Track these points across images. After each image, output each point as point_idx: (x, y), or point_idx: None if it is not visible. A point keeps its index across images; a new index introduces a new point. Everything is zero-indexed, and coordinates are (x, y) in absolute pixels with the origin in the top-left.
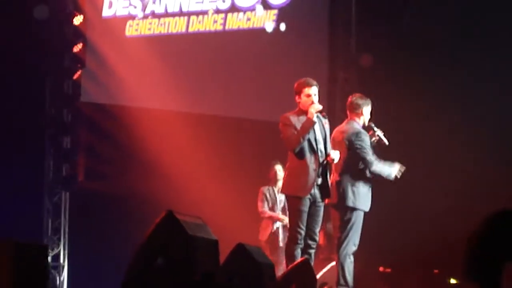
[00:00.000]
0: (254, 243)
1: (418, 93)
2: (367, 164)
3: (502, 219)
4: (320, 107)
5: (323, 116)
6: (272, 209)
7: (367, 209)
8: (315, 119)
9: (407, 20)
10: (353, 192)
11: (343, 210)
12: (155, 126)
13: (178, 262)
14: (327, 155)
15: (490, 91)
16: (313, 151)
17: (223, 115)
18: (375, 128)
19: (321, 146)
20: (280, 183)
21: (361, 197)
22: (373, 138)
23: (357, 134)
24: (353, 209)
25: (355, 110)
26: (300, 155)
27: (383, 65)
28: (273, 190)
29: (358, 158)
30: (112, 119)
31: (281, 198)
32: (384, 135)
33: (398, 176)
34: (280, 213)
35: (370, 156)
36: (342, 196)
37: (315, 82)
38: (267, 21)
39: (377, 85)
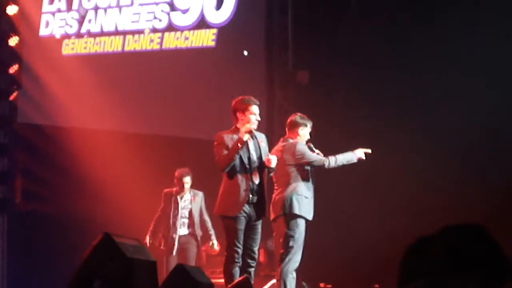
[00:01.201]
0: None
1: (355, 108)
2: (319, 164)
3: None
4: (250, 127)
5: (252, 137)
6: (174, 214)
7: (310, 218)
8: (246, 138)
9: (342, 35)
10: (298, 201)
11: (289, 220)
12: (91, 146)
13: (116, 285)
14: (263, 169)
15: (429, 103)
16: (245, 171)
17: (159, 134)
18: (314, 149)
19: (254, 165)
20: (185, 192)
21: (305, 205)
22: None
23: (295, 146)
24: (299, 217)
25: (293, 128)
26: (231, 175)
27: (320, 81)
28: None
29: (302, 169)
30: (49, 140)
31: (184, 205)
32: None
33: (364, 158)
34: (181, 222)
35: (316, 157)
36: (289, 205)
37: (255, 101)
38: (205, 40)
39: (314, 101)
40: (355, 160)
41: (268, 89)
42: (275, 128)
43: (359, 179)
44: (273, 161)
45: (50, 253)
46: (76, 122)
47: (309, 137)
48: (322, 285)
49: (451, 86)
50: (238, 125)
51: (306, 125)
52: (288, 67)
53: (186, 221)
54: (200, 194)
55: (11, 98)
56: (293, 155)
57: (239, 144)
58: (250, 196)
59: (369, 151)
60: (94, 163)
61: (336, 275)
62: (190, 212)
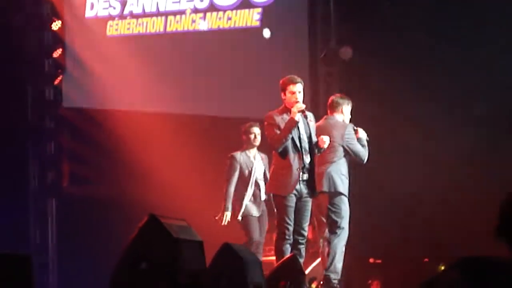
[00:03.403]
0: (240, 242)
1: (400, 85)
2: (360, 159)
3: None
4: (302, 106)
5: (304, 116)
6: (248, 175)
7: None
8: (298, 117)
9: (386, 9)
10: (341, 180)
11: (333, 197)
12: (137, 128)
13: (163, 265)
14: (313, 148)
15: (477, 78)
16: (297, 150)
17: (205, 114)
18: (355, 128)
19: (305, 144)
20: (255, 147)
21: (346, 184)
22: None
23: (345, 127)
24: (343, 195)
25: (335, 109)
26: (283, 154)
27: (364, 58)
28: (247, 155)
29: (343, 150)
30: (94, 123)
31: (259, 163)
32: (366, 134)
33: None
34: (254, 183)
35: (361, 150)
36: (333, 183)
37: (299, 79)
38: (249, 20)
39: (359, 78)
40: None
41: (312, 67)
42: (320, 105)
43: (413, 153)
44: (326, 142)
45: (97, 236)
46: (121, 104)
47: (349, 116)
48: (371, 260)
49: (502, 59)
50: (286, 104)
51: (347, 104)
52: (332, 43)
53: (262, 183)
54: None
55: (56, 82)
56: (342, 136)
57: (292, 123)
58: (301, 174)
59: (364, 134)
60: (139, 145)
61: (385, 250)
62: (264, 173)
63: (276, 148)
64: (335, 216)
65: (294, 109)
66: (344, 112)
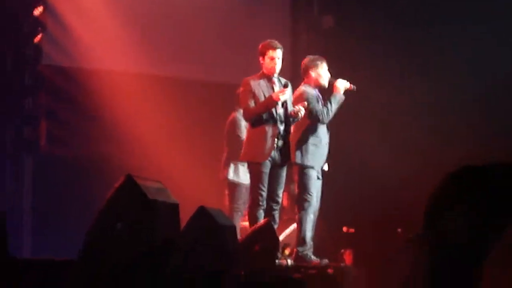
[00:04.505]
0: (215, 206)
1: (379, 54)
2: (318, 114)
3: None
4: (285, 96)
5: (284, 86)
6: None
7: (318, 165)
8: (276, 83)
9: None
10: (302, 151)
11: (298, 169)
12: (116, 88)
13: (138, 227)
14: (289, 114)
15: (454, 49)
16: (272, 117)
17: (184, 77)
18: (337, 80)
19: (280, 111)
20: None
21: (312, 154)
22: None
23: (302, 93)
24: (305, 167)
25: (305, 73)
26: (259, 122)
27: (345, 27)
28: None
29: (308, 116)
30: (73, 82)
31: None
32: (349, 82)
33: (354, 89)
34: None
35: (316, 108)
36: (295, 155)
37: (279, 45)
38: None
39: (339, 47)
40: (343, 97)
41: (293, 35)
42: (299, 74)
43: (385, 122)
44: (299, 112)
45: (73, 195)
46: (101, 64)
47: (327, 75)
48: (345, 229)
49: (483, 36)
50: (264, 70)
51: (316, 66)
52: (314, 12)
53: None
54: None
55: (36, 40)
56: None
57: (272, 104)
58: (276, 141)
59: (347, 83)
60: (119, 105)
61: (359, 219)
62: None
63: (247, 120)
64: (299, 188)
65: (277, 92)
66: (313, 76)
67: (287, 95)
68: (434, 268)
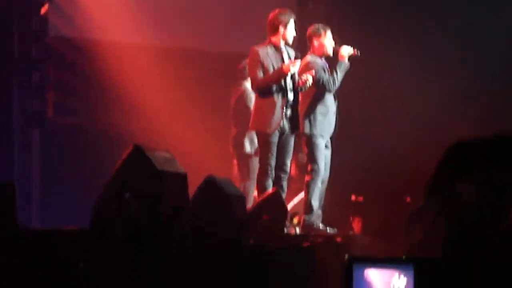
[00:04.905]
0: (224, 175)
1: (389, 26)
2: (325, 83)
3: (455, 149)
4: (294, 69)
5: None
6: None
7: (327, 134)
8: (284, 51)
9: None
10: (310, 120)
11: (305, 139)
12: (123, 58)
13: (146, 196)
14: (297, 83)
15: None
16: (281, 87)
17: (190, 47)
18: (341, 47)
19: (289, 81)
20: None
21: (319, 123)
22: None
23: (307, 63)
24: (313, 136)
25: (309, 42)
26: (267, 93)
27: None
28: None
29: (315, 85)
30: (81, 53)
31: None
32: (353, 48)
33: (358, 53)
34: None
35: (323, 74)
36: (303, 125)
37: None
38: None
39: (345, 16)
40: (348, 64)
41: (299, 3)
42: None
43: (392, 93)
44: (308, 81)
45: (82, 166)
46: (108, 34)
47: (331, 43)
48: (353, 197)
49: (482, 11)
50: (274, 38)
51: (320, 34)
52: None
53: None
54: None
55: (42, 11)
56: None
57: (282, 75)
58: (285, 110)
59: (350, 49)
60: (127, 76)
61: (367, 188)
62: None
63: (256, 90)
64: (306, 158)
65: (288, 64)
66: (315, 45)
67: (297, 67)
68: (453, 230)
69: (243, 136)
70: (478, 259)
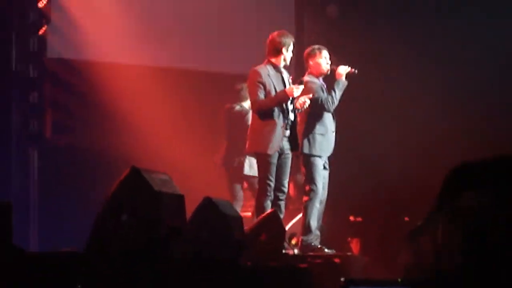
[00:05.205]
0: (221, 196)
1: (384, 45)
2: (323, 103)
3: (460, 170)
4: (297, 93)
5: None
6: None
7: (325, 154)
8: (283, 72)
9: None
10: (309, 140)
11: (304, 159)
12: (121, 80)
13: (144, 218)
14: (295, 104)
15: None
16: (281, 109)
17: (190, 69)
18: (333, 68)
19: (289, 102)
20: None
21: (319, 143)
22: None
23: (305, 83)
24: (312, 156)
25: (306, 63)
26: (268, 114)
27: (349, 16)
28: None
29: (314, 106)
30: (78, 74)
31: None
32: (350, 66)
33: (355, 72)
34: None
35: (321, 97)
36: (302, 145)
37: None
38: None
39: (343, 36)
40: (345, 82)
41: (297, 23)
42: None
43: (391, 112)
44: (306, 103)
45: (79, 187)
46: (106, 56)
47: (328, 62)
48: (352, 218)
49: (480, 30)
50: (274, 59)
51: (315, 55)
52: (317, 1)
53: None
54: None
55: (41, 32)
56: (306, 93)
57: (285, 99)
58: (284, 131)
59: (347, 67)
60: (124, 97)
61: (366, 208)
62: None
63: (256, 112)
64: (305, 178)
65: (294, 91)
66: (311, 64)
67: (300, 90)
68: (469, 238)
69: (236, 157)
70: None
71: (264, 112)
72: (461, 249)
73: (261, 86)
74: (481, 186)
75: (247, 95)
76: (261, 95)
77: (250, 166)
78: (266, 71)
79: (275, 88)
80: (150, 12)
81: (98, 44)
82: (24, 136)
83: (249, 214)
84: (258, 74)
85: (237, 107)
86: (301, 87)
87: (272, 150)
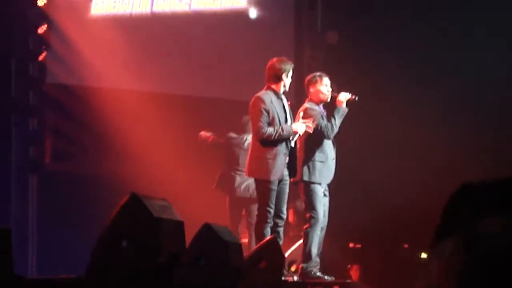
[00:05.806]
0: (220, 223)
1: (383, 71)
2: (323, 130)
3: (461, 192)
4: (303, 130)
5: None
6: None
7: (325, 182)
8: (283, 98)
9: None
10: (309, 167)
11: (303, 186)
12: (121, 106)
13: (143, 244)
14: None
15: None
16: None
17: (190, 95)
18: (339, 93)
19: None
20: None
21: (319, 170)
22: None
23: (306, 110)
24: (311, 183)
25: (307, 89)
26: (271, 142)
27: (349, 43)
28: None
29: (314, 133)
30: (78, 100)
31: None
32: (350, 93)
33: (356, 99)
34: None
35: (321, 121)
36: (302, 172)
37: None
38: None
39: (343, 63)
40: (346, 109)
41: (296, 50)
42: (303, 89)
43: (392, 138)
44: (310, 130)
45: (78, 213)
46: (105, 82)
47: (329, 89)
48: (351, 245)
49: (480, 49)
50: (274, 86)
51: (315, 82)
52: (317, 27)
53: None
54: None
55: (40, 58)
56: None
57: (290, 135)
58: (286, 158)
59: (348, 94)
60: (123, 123)
61: (366, 235)
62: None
63: (260, 141)
64: (305, 206)
65: (300, 124)
66: (311, 91)
67: (305, 127)
68: (471, 266)
69: (233, 178)
70: None
71: (267, 142)
72: (485, 277)
73: (265, 113)
74: (487, 209)
75: None
76: (265, 122)
77: (247, 188)
78: (269, 98)
79: (277, 115)
80: (149, 38)
81: (97, 69)
82: (24, 163)
83: (246, 240)
84: (262, 101)
85: (242, 137)
86: (310, 124)
87: (275, 177)
